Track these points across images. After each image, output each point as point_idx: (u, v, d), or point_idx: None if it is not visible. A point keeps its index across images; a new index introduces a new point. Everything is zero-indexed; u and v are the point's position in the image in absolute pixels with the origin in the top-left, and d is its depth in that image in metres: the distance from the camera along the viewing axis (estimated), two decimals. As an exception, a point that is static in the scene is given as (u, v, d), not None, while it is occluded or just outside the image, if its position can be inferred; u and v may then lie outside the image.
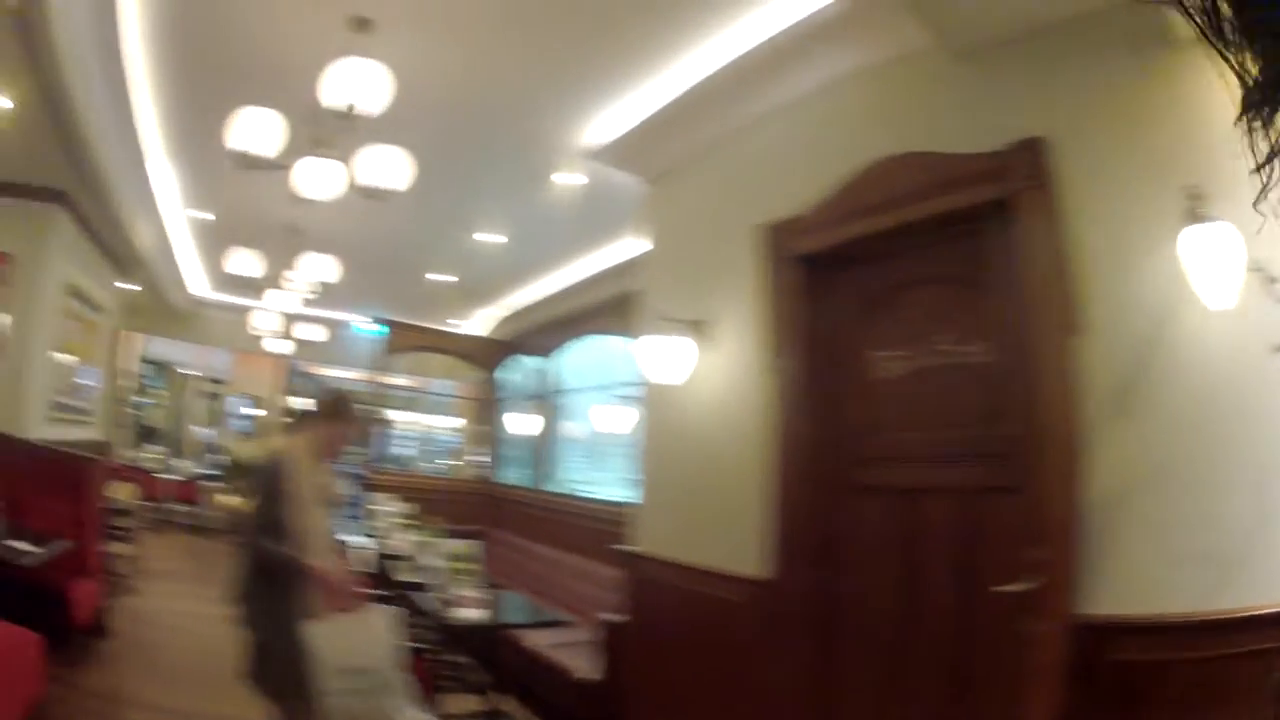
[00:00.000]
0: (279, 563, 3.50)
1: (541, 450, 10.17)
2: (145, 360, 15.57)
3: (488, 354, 11.42)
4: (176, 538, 12.18)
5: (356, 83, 3.93)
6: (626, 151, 5.32)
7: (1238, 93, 0.90)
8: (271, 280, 8.27)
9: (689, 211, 5.03)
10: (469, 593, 5.15)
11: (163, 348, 15.37)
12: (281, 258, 7.88)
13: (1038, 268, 2.83)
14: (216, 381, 16.28)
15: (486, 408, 11.62)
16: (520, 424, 10.79)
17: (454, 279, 9.82)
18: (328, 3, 4.26)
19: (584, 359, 9.59)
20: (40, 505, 5.60)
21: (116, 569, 7.30)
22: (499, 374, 11.43)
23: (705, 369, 4.50)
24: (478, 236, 7.97)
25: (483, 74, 4.90)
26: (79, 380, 8.78)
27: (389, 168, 4.38)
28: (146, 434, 16.16)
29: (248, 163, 4.20)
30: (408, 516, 8.12)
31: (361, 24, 4.26)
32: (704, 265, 4.74)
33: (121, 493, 8.59)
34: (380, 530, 7.88)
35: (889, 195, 3.45)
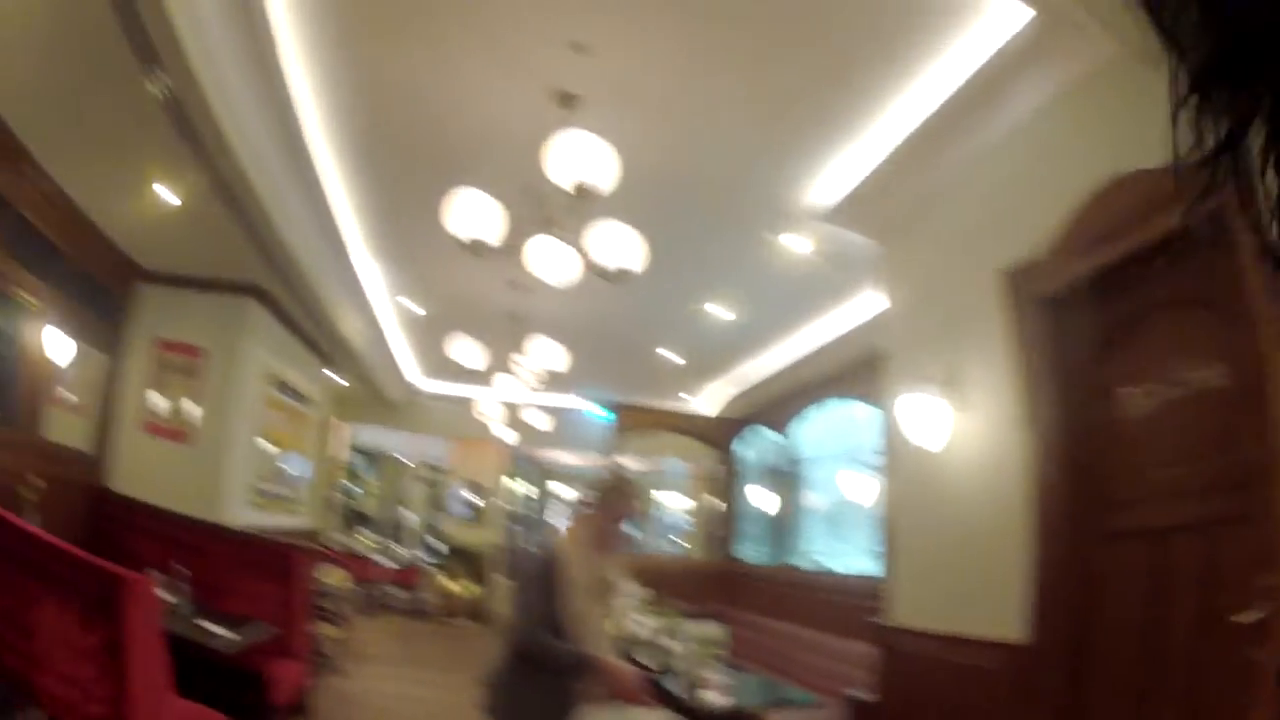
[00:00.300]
0: (555, 657, 3.48)
1: (781, 524, 10.38)
2: (356, 449, 17.08)
3: (720, 430, 11.60)
4: (390, 621, 13.29)
5: (582, 158, 4.00)
6: (851, 210, 5.48)
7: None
8: (495, 367, 8.72)
9: (923, 265, 5.15)
10: (713, 675, 5.31)
11: (375, 435, 16.61)
12: (502, 344, 8.34)
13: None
14: (433, 469, 17.69)
15: (721, 484, 11.66)
16: (758, 498, 11.02)
17: (682, 356, 10.20)
18: (529, 80, 4.59)
19: (823, 428, 9.67)
20: (243, 589, 6.31)
21: (323, 651, 7.88)
22: (734, 449, 11.47)
23: (956, 426, 4.55)
24: (706, 308, 8.15)
25: (695, 144, 5.13)
26: (284, 467, 9.67)
27: (622, 246, 4.40)
28: (359, 520, 17.69)
29: (472, 248, 4.38)
30: (646, 599, 8.11)
31: (567, 99, 4.58)
32: (945, 319, 4.80)
33: (332, 577, 9.42)
34: (619, 614, 8.21)
35: (1114, 222, 3.52)
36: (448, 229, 4.40)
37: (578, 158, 4.01)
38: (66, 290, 6.73)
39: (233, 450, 7.81)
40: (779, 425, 10.41)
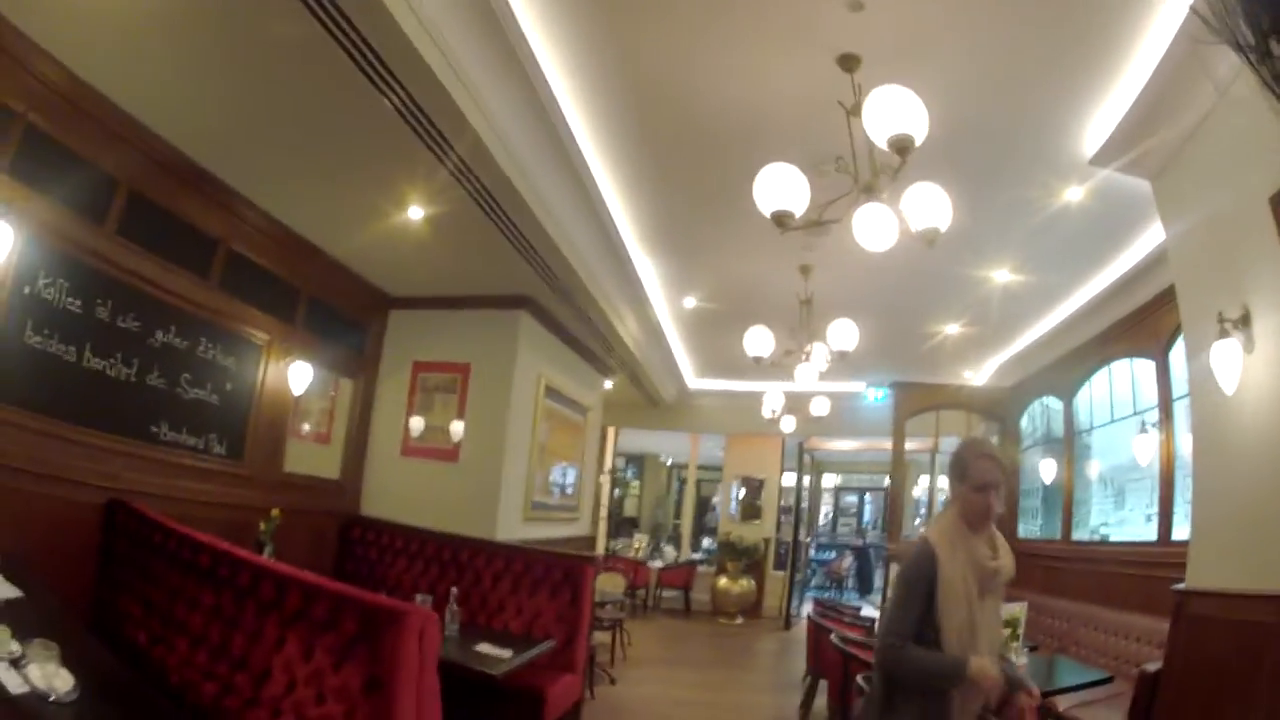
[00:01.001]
0: (930, 675, 2.91)
1: (1059, 496, 9.48)
2: (619, 452, 17.03)
3: (1000, 402, 11.20)
4: (663, 624, 13.03)
5: (892, 112, 3.59)
6: (1123, 150, 4.98)
7: None
8: (779, 355, 7.82)
9: (1201, 202, 4.63)
10: (1018, 659, 4.94)
11: (639, 438, 16.76)
12: (783, 331, 7.57)
13: None
14: (700, 467, 17.55)
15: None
16: (1037, 471, 10.26)
17: (959, 328, 9.41)
18: (806, 46, 4.32)
19: (1102, 390, 8.88)
20: (518, 605, 6.19)
21: (596, 660, 7.60)
22: (1013, 421, 11.10)
23: (1248, 369, 4.02)
24: (984, 274, 7.53)
25: (971, 97, 4.70)
26: (559, 479, 9.54)
27: (933, 204, 3.99)
28: (627, 524, 17.92)
29: (778, 221, 4.00)
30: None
31: (848, 61, 4.29)
32: (1227, 255, 4.28)
33: (606, 583, 9.31)
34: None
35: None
36: (757, 204, 4.05)
37: (888, 112, 3.62)
38: (312, 325, 6.95)
39: (505, 464, 7.70)
40: (1058, 391, 9.84)
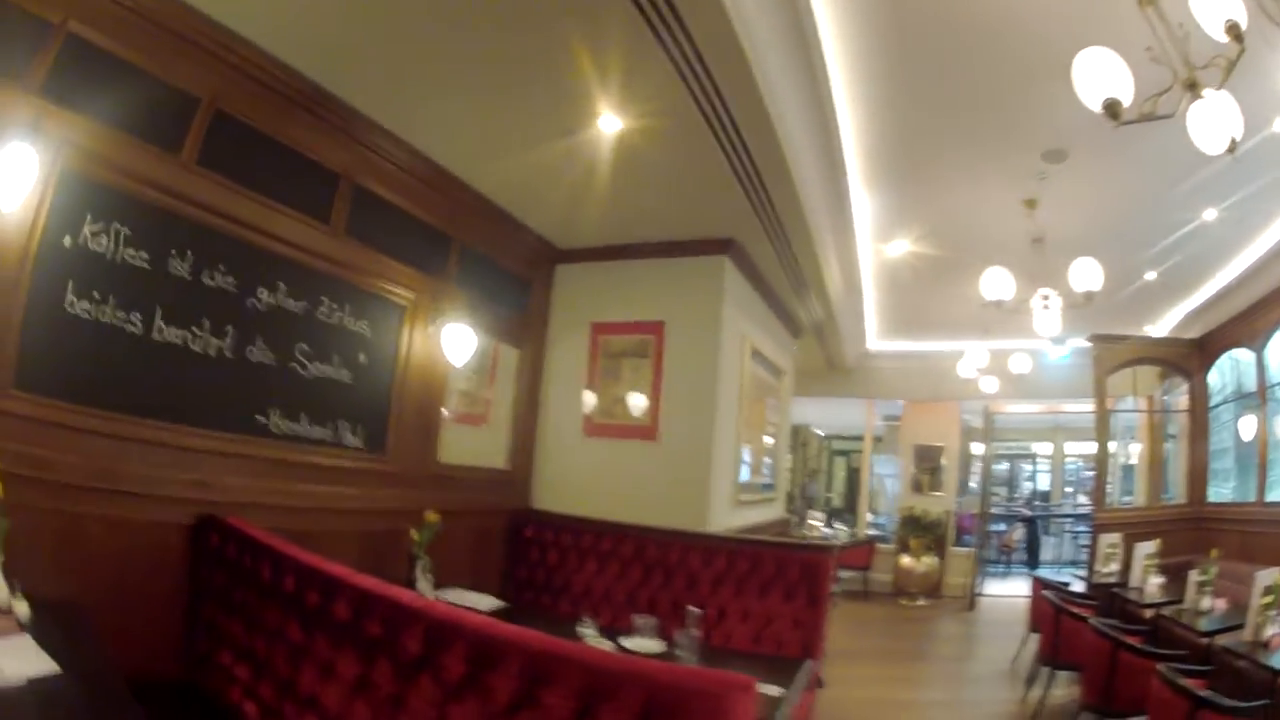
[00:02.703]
0: None
1: (1253, 456, 8.41)
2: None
3: (1188, 356, 9.93)
4: (843, 609, 11.16)
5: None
6: None
7: None
8: (1013, 303, 6.68)
9: None
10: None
11: (795, 408, 15.40)
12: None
13: None
14: (848, 438, 16.07)
15: (1190, 419, 9.94)
16: (1228, 430, 9.46)
17: (1155, 274, 8.14)
18: None
19: None
20: (750, 611, 4.90)
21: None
22: (1205, 376, 9.83)
23: None
24: (1193, 214, 6.42)
25: None
26: (765, 456, 8.04)
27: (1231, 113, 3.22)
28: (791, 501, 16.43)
29: (1109, 111, 3.24)
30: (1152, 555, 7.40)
31: None
32: None
33: None
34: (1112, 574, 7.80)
35: None
36: (1080, 94, 3.22)
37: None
38: (468, 281, 5.51)
39: (715, 440, 6.04)
40: (1249, 343, 8.63)
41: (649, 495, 5.85)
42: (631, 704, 1.89)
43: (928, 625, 10.53)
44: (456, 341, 5.14)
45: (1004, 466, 21.36)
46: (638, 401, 6.10)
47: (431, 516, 4.58)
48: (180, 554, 3.58)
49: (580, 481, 6.17)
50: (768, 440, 8.30)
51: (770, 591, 4.84)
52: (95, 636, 2.81)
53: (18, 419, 3.00)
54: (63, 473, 3.10)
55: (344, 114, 4.38)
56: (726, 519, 6.34)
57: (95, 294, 3.27)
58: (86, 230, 3.24)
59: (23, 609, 2.55)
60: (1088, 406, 10.22)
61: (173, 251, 3.58)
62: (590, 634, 3.74)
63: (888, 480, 15.23)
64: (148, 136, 3.48)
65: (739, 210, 5.40)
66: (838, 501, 16.26)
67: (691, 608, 3.79)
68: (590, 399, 6.26)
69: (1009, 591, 12.04)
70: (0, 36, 2.98)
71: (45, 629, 2.53)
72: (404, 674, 2.38)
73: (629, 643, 3.78)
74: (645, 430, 6.03)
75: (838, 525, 14.80)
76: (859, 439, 15.84)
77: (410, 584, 4.35)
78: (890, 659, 8.38)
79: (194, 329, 3.69)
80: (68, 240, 3.17)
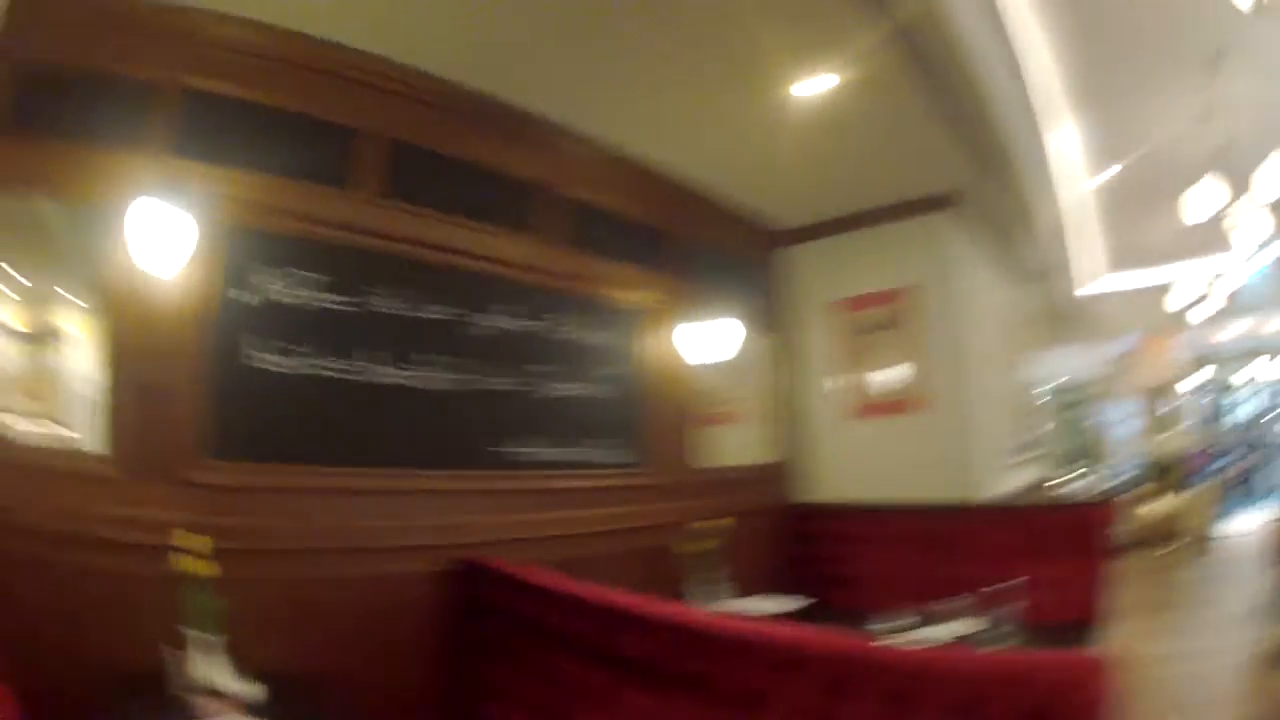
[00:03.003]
0: None
1: None
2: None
3: None
4: None
5: None
6: None
7: None
8: (1220, 219, 6.08)
9: None
10: None
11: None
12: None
13: None
14: (1103, 386, 14.89)
15: None
16: None
17: None
18: None
19: None
20: (1047, 580, 4.19)
21: None
22: None
23: None
24: None
25: None
26: (1020, 414, 7.44)
27: None
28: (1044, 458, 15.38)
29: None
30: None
31: None
32: None
33: None
34: None
35: None
36: None
37: None
38: (694, 277, 5.12)
39: (972, 403, 5.50)
40: None
41: (920, 470, 5.35)
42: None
43: (1172, 572, 9.61)
44: (699, 339, 4.81)
45: (1210, 397, 19.74)
46: (895, 375, 5.62)
47: (711, 525, 4.30)
48: (430, 605, 3.36)
49: (850, 466, 5.72)
50: (1020, 397, 7.71)
51: (1057, 554, 4.39)
52: (336, 710, 2.64)
53: (223, 491, 2.88)
54: (283, 539, 2.97)
55: (535, 124, 4.15)
56: (998, 485, 5.80)
57: (289, 345, 3.16)
58: (267, 281, 3.11)
59: (249, 692, 2.39)
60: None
61: (376, 289, 3.43)
62: (902, 626, 3.34)
63: (1121, 425, 14.07)
64: (318, 178, 3.34)
65: (957, 161, 4.93)
66: (1073, 453, 15.21)
67: (1004, 583, 3.50)
68: (847, 379, 5.82)
69: (1245, 527, 10.96)
70: (115, 105, 2.90)
71: (280, 709, 2.38)
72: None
73: (941, 631, 3.35)
74: (906, 403, 5.53)
75: (1081, 478, 13.72)
76: (1087, 388, 14.80)
77: (682, 599, 4.06)
78: (1139, 612, 7.48)
79: (415, 366, 3.50)
80: (245, 294, 3.05)
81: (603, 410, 4.29)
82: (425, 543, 3.36)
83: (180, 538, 2.58)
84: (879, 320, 5.66)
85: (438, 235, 3.65)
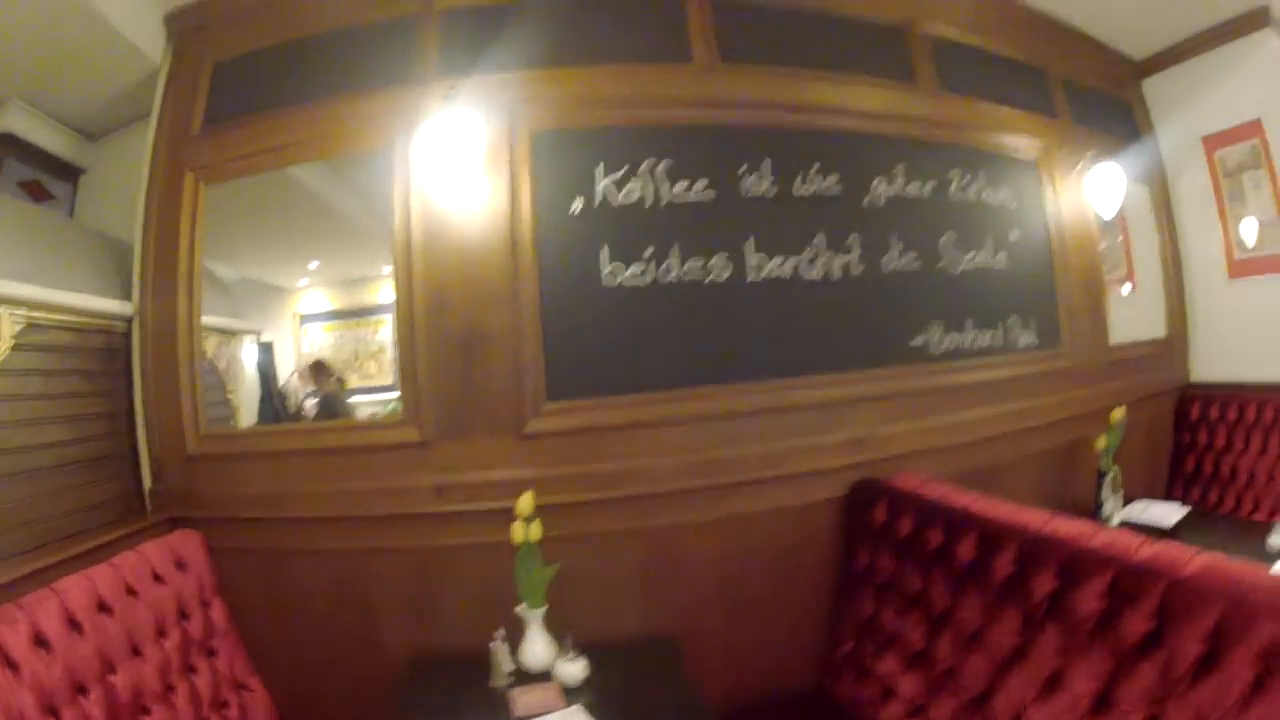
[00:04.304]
0: None
1: None
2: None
3: None
4: None
5: None
6: None
7: None
8: None
9: None
10: None
11: None
12: None
13: None
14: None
15: None
16: None
17: None
18: None
19: None
20: None
21: None
22: None
23: None
24: None
25: None
26: None
27: None
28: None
29: None
30: None
31: None
32: None
33: None
34: None
35: None
36: None
37: None
38: (1079, 118, 4.17)
39: None
40: None
41: None
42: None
43: None
44: (1101, 188, 3.88)
45: None
46: (1265, 223, 4.42)
47: (1117, 414, 3.44)
48: (830, 536, 2.81)
49: (1235, 337, 4.59)
50: None
51: None
52: (680, 677, 2.28)
53: (565, 436, 2.56)
54: (642, 481, 2.59)
55: None
56: None
57: (637, 255, 2.66)
58: (601, 185, 2.70)
59: (573, 671, 2.19)
60: None
61: (735, 169, 2.82)
62: None
63: None
64: (642, 56, 2.87)
65: None
66: None
67: None
68: (1225, 232, 4.63)
69: None
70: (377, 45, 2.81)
71: (622, 678, 2.22)
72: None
73: None
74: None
75: None
76: None
77: (1095, 508, 3.37)
78: None
79: (793, 254, 2.87)
80: (581, 205, 2.68)
81: (1018, 282, 3.49)
82: (827, 465, 2.78)
83: (513, 500, 2.25)
84: (1245, 160, 4.46)
85: (792, 96, 2.99)
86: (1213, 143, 4.59)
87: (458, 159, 2.53)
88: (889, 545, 2.54)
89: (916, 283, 3.10)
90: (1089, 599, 1.77)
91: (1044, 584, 1.90)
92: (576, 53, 2.78)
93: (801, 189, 2.89)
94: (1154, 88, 4.90)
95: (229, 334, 2.89)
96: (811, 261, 2.86)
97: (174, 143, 2.86)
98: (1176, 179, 4.82)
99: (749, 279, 2.77)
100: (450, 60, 2.73)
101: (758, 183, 2.83)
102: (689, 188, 2.74)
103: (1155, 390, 4.35)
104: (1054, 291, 3.65)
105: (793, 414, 2.77)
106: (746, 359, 2.75)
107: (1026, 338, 3.46)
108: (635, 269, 2.64)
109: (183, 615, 2.21)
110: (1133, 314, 4.43)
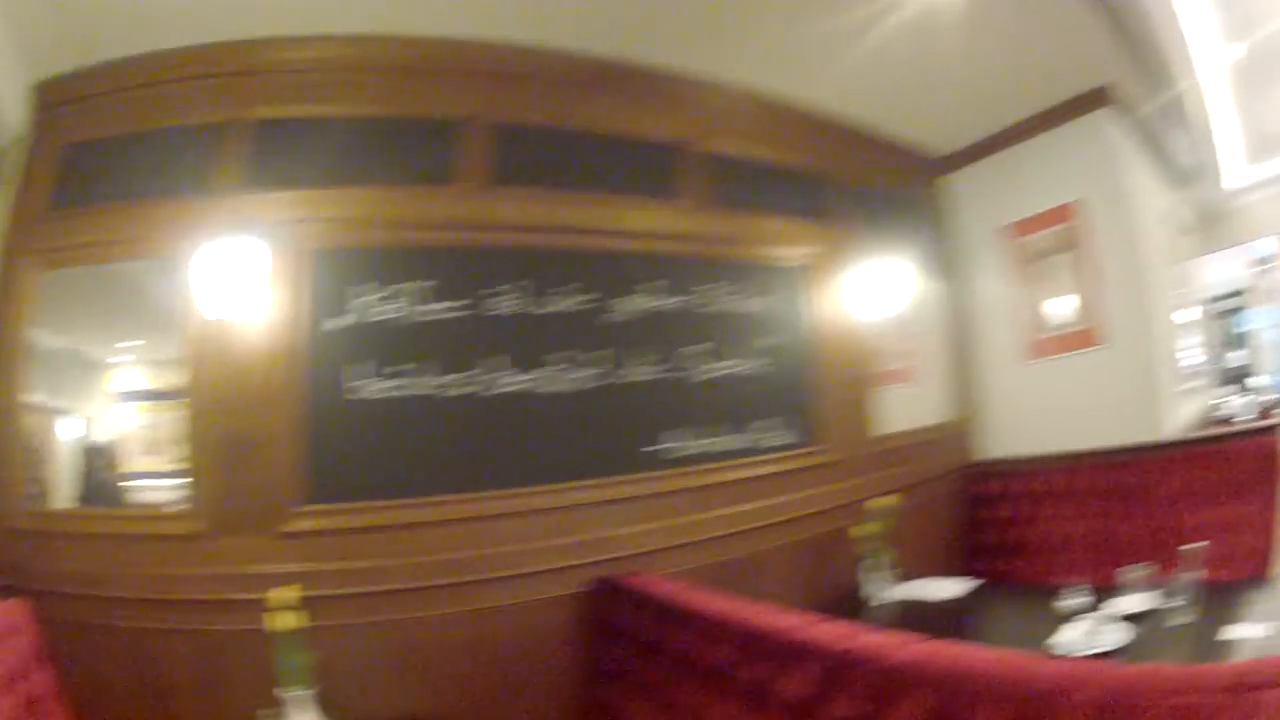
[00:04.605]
0: None
1: None
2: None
3: None
4: None
5: None
6: None
7: None
8: None
9: None
10: None
11: None
12: None
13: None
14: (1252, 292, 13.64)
15: None
16: None
17: None
18: None
19: None
20: (1223, 522, 3.73)
21: None
22: None
23: None
24: None
25: None
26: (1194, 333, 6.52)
27: None
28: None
29: None
30: None
31: None
32: None
33: None
34: None
35: None
36: None
37: None
38: (857, 222, 4.56)
39: (1153, 326, 4.69)
40: None
41: (1100, 410, 4.66)
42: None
43: None
44: (870, 291, 4.28)
45: None
46: (1070, 305, 4.87)
47: (884, 502, 3.82)
48: (575, 631, 3.07)
49: (1023, 416, 5.05)
50: (1192, 314, 6.80)
51: (1248, 493, 3.68)
52: None
53: (323, 536, 2.76)
54: (395, 578, 2.80)
55: (658, 80, 3.71)
56: (1175, 417, 4.99)
57: (395, 368, 2.92)
58: (359, 302, 2.92)
59: None
60: None
61: (490, 288, 3.11)
62: (1074, 605, 2.96)
63: (1272, 333, 12.95)
64: (413, 179, 3.12)
65: (1101, 48, 4.12)
66: (1227, 369, 14.18)
67: (1187, 546, 3.02)
68: (1021, 315, 5.09)
69: None
70: (187, 153, 2.94)
71: None
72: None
73: (1120, 604, 2.93)
74: (1084, 337, 4.77)
75: (1237, 395, 12.66)
76: (1234, 295, 13.64)
77: (857, 591, 3.69)
78: None
79: (544, 368, 3.17)
80: (340, 320, 2.90)
81: (770, 386, 3.81)
82: (563, 564, 3.06)
83: (272, 592, 2.48)
84: (1050, 244, 4.91)
85: (553, 217, 3.28)
86: (1018, 229, 5.04)
87: (242, 270, 2.72)
88: (626, 641, 2.78)
89: (663, 392, 3.39)
90: (798, 686, 1.93)
91: (753, 673, 2.10)
92: (354, 174, 3.01)
93: (556, 306, 3.18)
94: (957, 180, 5.36)
95: (45, 411, 2.97)
96: (559, 374, 3.14)
97: (20, 220, 2.97)
98: (975, 267, 5.26)
99: (498, 392, 3.02)
100: (245, 173, 2.93)
101: (514, 301, 3.10)
102: (447, 306, 2.99)
103: (941, 472, 4.72)
104: (814, 392, 3.98)
105: (537, 517, 3.02)
106: (494, 467, 2.99)
107: (782, 437, 3.78)
108: (394, 382, 2.87)
109: (9, 682, 2.24)
110: (921, 401, 4.84)
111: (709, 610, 2.41)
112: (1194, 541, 3.43)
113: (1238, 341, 14.65)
